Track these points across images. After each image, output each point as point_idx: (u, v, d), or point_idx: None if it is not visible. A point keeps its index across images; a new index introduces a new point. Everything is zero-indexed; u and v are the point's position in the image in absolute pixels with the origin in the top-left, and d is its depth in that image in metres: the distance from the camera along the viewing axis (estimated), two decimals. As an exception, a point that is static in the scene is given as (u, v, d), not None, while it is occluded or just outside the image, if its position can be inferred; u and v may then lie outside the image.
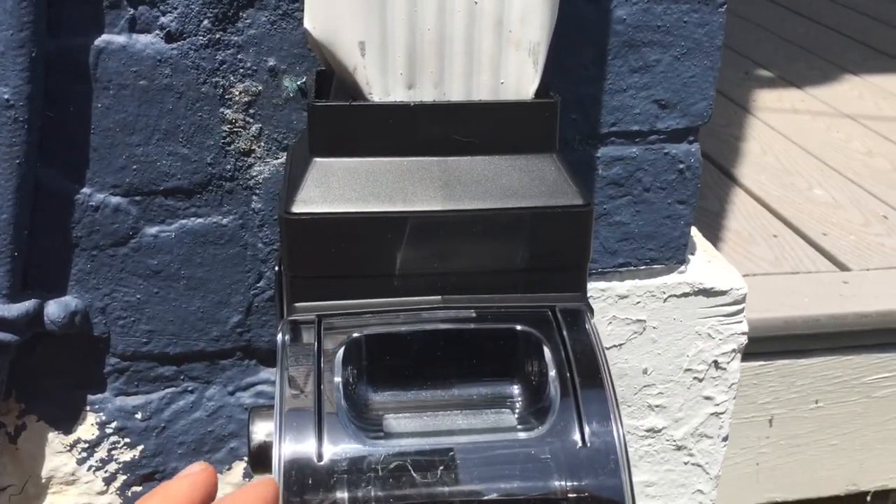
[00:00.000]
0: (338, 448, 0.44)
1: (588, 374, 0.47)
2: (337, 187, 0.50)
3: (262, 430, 0.51)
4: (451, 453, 0.44)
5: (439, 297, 0.51)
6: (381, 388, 0.50)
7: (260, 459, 0.51)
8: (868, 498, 1.23)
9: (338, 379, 0.47)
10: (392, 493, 0.43)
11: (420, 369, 0.50)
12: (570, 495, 0.43)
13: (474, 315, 0.51)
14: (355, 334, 0.49)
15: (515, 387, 0.50)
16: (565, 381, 0.47)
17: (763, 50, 2.00)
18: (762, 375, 1.10)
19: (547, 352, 0.48)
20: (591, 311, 0.51)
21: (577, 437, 0.45)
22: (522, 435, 0.46)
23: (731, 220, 1.33)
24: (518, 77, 0.51)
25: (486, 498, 0.43)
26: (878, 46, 2.07)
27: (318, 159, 0.50)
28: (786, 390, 1.12)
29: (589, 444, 0.44)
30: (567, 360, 0.48)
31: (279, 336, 0.50)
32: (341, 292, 0.51)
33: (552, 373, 0.47)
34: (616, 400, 0.46)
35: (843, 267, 1.21)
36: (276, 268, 0.63)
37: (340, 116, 0.50)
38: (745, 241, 1.27)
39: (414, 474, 0.43)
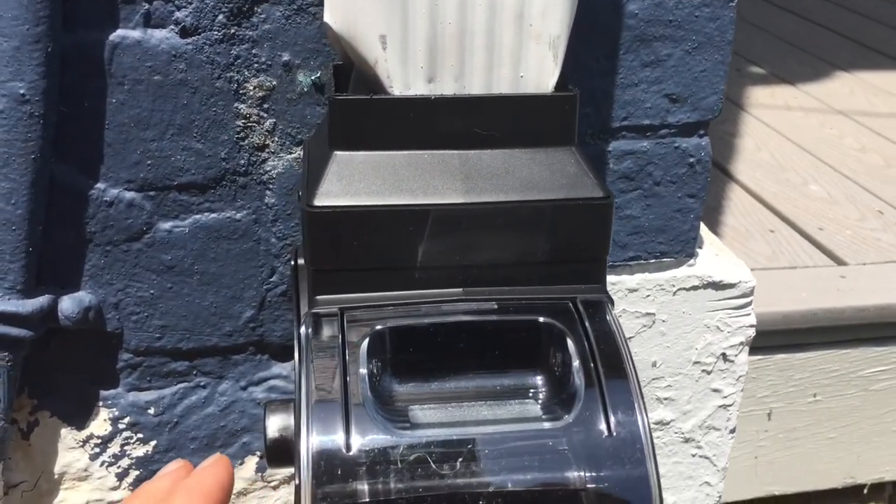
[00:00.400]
0: (366, 439, 0.44)
1: (612, 364, 0.47)
2: (358, 180, 0.50)
3: (277, 424, 0.52)
4: (480, 443, 0.44)
5: (460, 289, 0.52)
6: (405, 379, 0.50)
7: (277, 454, 0.51)
8: (865, 490, 1.24)
9: (363, 370, 0.47)
10: (421, 482, 0.43)
11: (443, 361, 0.50)
12: (596, 485, 0.44)
13: (496, 307, 0.51)
14: (378, 326, 0.49)
15: (538, 378, 0.51)
16: (589, 372, 0.47)
17: (755, 47, 2.01)
18: (761, 369, 1.10)
19: (570, 343, 0.48)
20: (612, 302, 0.52)
21: (602, 426, 0.45)
22: (548, 425, 0.46)
23: (727, 215, 1.33)
24: (538, 70, 0.51)
25: (517, 488, 0.43)
26: (869, 43, 2.09)
27: (338, 153, 0.51)
28: (784, 384, 1.12)
29: (615, 434, 0.45)
30: (590, 351, 0.48)
31: (301, 329, 0.50)
32: (363, 285, 0.51)
33: (576, 363, 0.48)
34: (640, 390, 0.47)
35: (839, 261, 1.22)
36: (292, 262, 0.63)
37: (361, 110, 0.50)
38: (742, 236, 1.27)
39: (442, 464, 0.44)
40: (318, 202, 0.49)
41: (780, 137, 1.59)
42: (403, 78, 0.50)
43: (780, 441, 1.16)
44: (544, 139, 0.52)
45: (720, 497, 0.87)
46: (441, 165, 0.51)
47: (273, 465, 0.52)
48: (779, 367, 1.11)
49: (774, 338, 1.08)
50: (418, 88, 0.50)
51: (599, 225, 0.52)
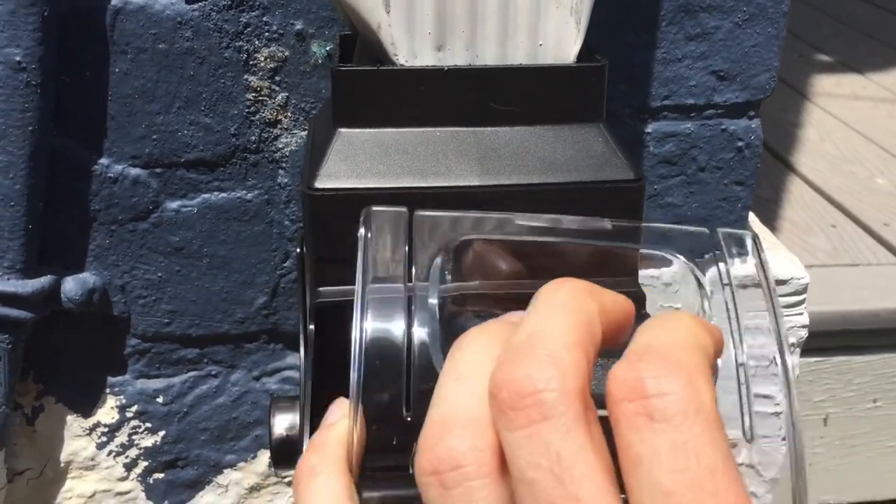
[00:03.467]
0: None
1: None
2: (364, 160, 0.46)
3: (283, 422, 0.48)
4: None
5: (476, 282, 0.47)
6: None
7: (282, 454, 0.48)
8: (926, 502, 1.19)
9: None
10: None
11: None
12: None
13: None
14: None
15: None
16: None
17: (821, 33, 1.93)
18: (818, 372, 1.06)
19: None
20: (643, 297, 0.47)
21: None
22: None
23: (786, 208, 1.28)
24: (558, 38, 0.46)
25: None
26: (945, 31, 1.99)
27: (343, 130, 0.46)
28: (842, 388, 1.07)
29: None
30: None
31: (302, 324, 0.46)
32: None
33: None
34: None
35: (906, 259, 1.16)
36: (298, 249, 0.59)
37: (367, 82, 0.45)
38: (801, 230, 1.22)
39: None
40: (319, 184, 0.45)
41: (845, 128, 1.52)
42: (409, 45, 0.45)
43: (837, 448, 1.12)
44: (569, 115, 0.47)
45: (767, 508, 0.82)
46: (455, 144, 0.46)
47: (280, 468, 0.48)
48: (837, 371, 1.07)
49: (833, 339, 1.03)
50: (426, 58, 0.45)
51: (630, 210, 0.47)
